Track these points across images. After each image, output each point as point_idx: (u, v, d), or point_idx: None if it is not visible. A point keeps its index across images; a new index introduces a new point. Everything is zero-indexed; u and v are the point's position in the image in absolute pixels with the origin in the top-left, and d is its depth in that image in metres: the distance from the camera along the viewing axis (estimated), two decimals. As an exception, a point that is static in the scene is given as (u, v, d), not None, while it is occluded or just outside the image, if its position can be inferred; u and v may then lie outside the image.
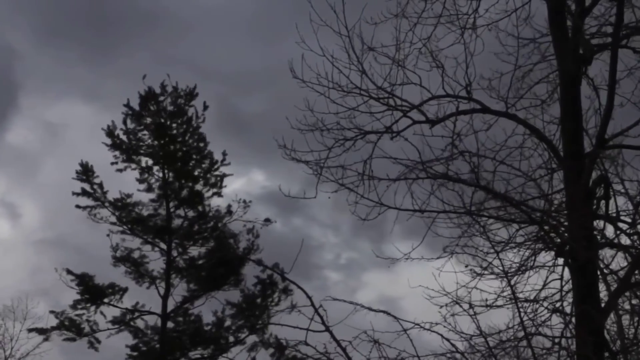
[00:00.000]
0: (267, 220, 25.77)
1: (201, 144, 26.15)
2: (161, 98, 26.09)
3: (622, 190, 10.55)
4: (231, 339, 24.95)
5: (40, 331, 24.84)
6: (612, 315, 10.11)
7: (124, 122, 25.85)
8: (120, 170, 25.71)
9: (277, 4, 44.09)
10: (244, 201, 25.79)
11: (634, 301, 10.32)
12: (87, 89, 48.22)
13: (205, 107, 26.32)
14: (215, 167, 26.03)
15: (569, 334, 9.67)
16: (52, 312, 24.64)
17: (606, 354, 9.55)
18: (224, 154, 26.25)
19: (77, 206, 25.26)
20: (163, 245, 25.31)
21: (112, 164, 25.64)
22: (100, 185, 25.38)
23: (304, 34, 10.17)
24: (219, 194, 26.00)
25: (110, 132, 25.73)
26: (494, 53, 10.74)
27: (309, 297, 8.53)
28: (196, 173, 25.89)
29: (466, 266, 10.31)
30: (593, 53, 10.33)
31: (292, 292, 24.31)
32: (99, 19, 47.87)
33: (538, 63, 11.03)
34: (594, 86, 10.71)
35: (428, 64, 10.46)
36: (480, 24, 10.77)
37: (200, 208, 25.62)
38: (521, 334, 9.53)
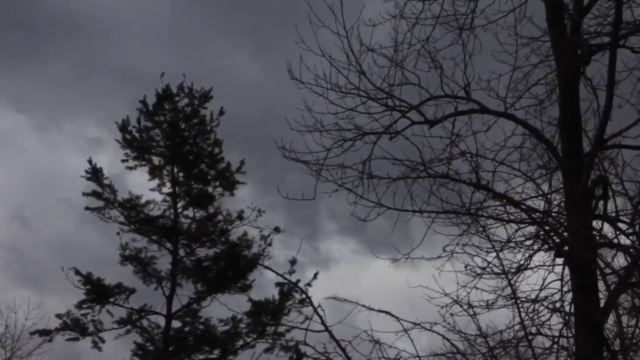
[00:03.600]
0: (277, 229, 25.72)
1: (216, 148, 26.06)
2: (177, 98, 25.97)
3: (622, 191, 10.54)
4: (239, 342, 24.90)
5: (43, 332, 24.80)
6: (612, 314, 10.10)
7: (138, 121, 25.71)
8: (130, 168, 25.70)
9: (193, 11, 45.29)
10: (258, 210, 25.74)
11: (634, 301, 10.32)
12: (15, 96, 48.55)
13: (222, 113, 26.21)
14: (229, 172, 25.93)
15: (569, 334, 9.67)
16: (57, 315, 24.62)
17: (606, 354, 9.54)
18: (242, 162, 26.10)
19: (87, 208, 25.22)
20: (170, 246, 25.28)
21: (123, 161, 25.61)
22: (110, 186, 25.36)
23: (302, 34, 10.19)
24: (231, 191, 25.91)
25: (123, 128, 25.59)
26: (492, 54, 10.73)
27: (309, 297, 8.59)
28: (209, 176, 25.81)
29: (465, 266, 10.31)
30: (591, 53, 10.32)
31: (308, 305, 24.11)
32: (15, 26, 48.40)
33: (537, 63, 11.02)
34: (592, 86, 10.69)
35: (426, 65, 10.49)
36: (479, 24, 10.77)
37: (210, 210, 25.57)
38: (521, 333, 9.55)
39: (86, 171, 25.24)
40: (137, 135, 25.65)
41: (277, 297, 25.04)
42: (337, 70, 10.22)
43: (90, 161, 25.31)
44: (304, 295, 24.49)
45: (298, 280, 24.12)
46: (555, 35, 10.47)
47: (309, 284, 23.99)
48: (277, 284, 24.72)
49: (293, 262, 22.69)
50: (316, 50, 10.21)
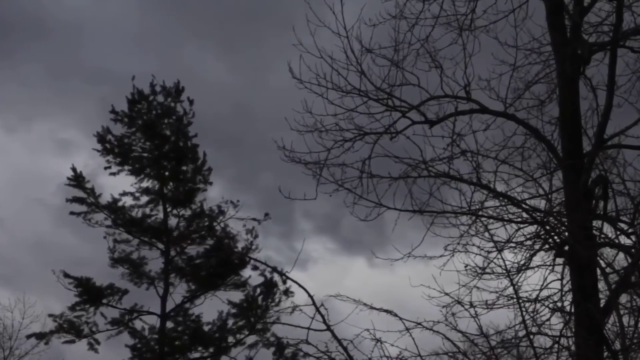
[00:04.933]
0: (267, 215, 25.80)
1: (189, 143, 26.18)
2: (151, 98, 26.13)
3: (624, 191, 10.54)
4: (231, 339, 24.97)
5: (39, 336, 24.77)
6: (612, 314, 10.09)
7: (107, 129, 25.85)
8: (114, 174, 25.77)
9: (159, 14, 46.21)
10: (232, 202, 25.82)
11: (634, 301, 10.31)
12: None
13: (191, 102, 26.39)
14: (204, 166, 26.04)
15: (569, 334, 9.67)
16: (50, 315, 24.63)
17: (606, 354, 9.54)
18: (204, 153, 26.32)
19: (72, 213, 25.24)
20: (161, 246, 25.28)
21: (106, 168, 25.71)
22: (93, 190, 25.37)
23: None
24: (203, 189, 26.05)
25: (101, 138, 25.68)
26: (492, 54, 10.74)
27: (311, 296, 8.58)
28: (189, 173, 25.90)
29: (466, 266, 10.29)
30: (591, 53, 10.33)
31: (293, 293, 24.42)
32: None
33: (537, 63, 11.02)
34: (592, 86, 10.71)
35: (426, 65, 10.48)
36: (479, 24, 10.77)
37: (193, 207, 25.64)
38: (522, 333, 9.55)
39: (68, 178, 25.35)
40: (115, 142, 25.76)
41: (261, 291, 25.15)
42: (337, 71, 10.21)
43: (73, 169, 25.46)
44: (287, 286, 24.71)
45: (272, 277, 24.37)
46: (555, 35, 10.48)
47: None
48: (259, 285, 24.92)
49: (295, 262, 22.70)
50: (314, 52, 10.20)
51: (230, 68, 45.67)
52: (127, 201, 25.69)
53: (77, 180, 25.44)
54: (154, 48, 50.17)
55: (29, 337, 25.41)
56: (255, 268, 24.26)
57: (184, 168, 26.01)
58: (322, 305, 8.54)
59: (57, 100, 48.93)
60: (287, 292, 24.75)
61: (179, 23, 49.05)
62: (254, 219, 25.67)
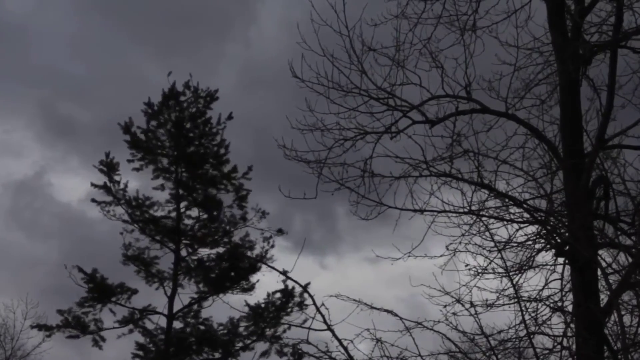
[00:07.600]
0: (280, 231, 25.70)
1: (221, 150, 26.05)
2: (182, 98, 25.98)
3: (624, 191, 10.56)
4: (240, 344, 24.90)
5: (45, 328, 24.80)
6: (613, 314, 10.10)
7: (147, 122, 25.80)
8: (137, 170, 25.67)
9: (104, 20, 46.70)
10: (262, 212, 25.72)
11: (634, 300, 10.32)
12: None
13: (230, 117, 26.17)
14: (234, 175, 25.90)
15: (570, 333, 9.67)
16: (58, 310, 24.63)
17: (607, 353, 9.55)
18: (249, 168, 26.07)
19: (93, 200, 25.12)
20: (173, 246, 25.26)
21: (129, 161, 25.56)
22: (119, 182, 25.28)
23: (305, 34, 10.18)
24: (241, 206, 25.91)
25: (127, 129, 25.57)
26: (495, 54, 10.75)
27: (311, 296, 8.61)
28: (212, 177, 25.75)
29: (466, 265, 10.32)
30: (592, 53, 10.35)
31: (307, 307, 24.29)
32: None
33: (538, 64, 11.02)
34: (594, 86, 10.72)
35: (428, 64, 10.47)
36: (481, 25, 10.77)
37: (214, 212, 25.49)
38: (523, 333, 9.57)
39: (100, 162, 25.17)
40: (142, 136, 25.63)
41: (276, 300, 25.11)
42: (338, 68, 10.22)
43: (107, 154, 25.27)
44: (302, 298, 24.61)
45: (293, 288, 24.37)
46: (556, 36, 10.49)
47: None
48: (275, 292, 24.91)
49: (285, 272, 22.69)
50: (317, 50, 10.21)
51: (169, 70, 46.09)
52: (146, 197, 25.62)
53: (109, 166, 25.19)
54: (96, 51, 51.29)
55: (33, 327, 25.46)
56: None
57: (209, 171, 25.81)
58: (322, 305, 8.58)
59: None
60: (301, 305, 24.56)
61: (120, 27, 50.40)
62: (277, 231, 25.56)
